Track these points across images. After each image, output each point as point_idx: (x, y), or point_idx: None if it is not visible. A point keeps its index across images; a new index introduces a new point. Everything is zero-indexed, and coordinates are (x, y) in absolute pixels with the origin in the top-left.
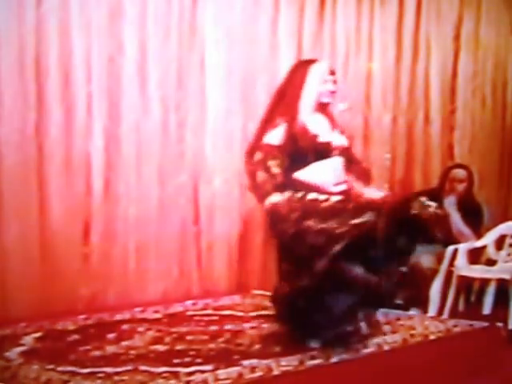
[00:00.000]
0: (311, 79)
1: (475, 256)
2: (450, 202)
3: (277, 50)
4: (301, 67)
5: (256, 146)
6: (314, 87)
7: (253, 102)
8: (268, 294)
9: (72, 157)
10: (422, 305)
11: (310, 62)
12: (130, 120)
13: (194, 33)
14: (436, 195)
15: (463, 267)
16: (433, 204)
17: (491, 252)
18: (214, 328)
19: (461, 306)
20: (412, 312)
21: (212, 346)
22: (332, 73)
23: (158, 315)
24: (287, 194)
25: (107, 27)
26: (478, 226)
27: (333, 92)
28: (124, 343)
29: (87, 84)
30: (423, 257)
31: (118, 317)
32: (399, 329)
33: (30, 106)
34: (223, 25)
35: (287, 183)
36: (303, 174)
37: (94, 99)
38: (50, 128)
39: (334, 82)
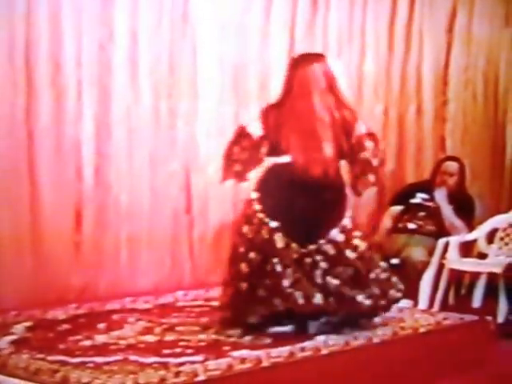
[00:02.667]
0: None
1: (466, 249)
2: (440, 195)
3: (269, 38)
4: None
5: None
6: None
7: (245, 90)
8: None
9: (62, 144)
10: (413, 297)
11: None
12: (120, 107)
13: (186, 20)
14: (428, 188)
15: (454, 260)
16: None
17: (482, 245)
18: (204, 319)
19: (451, 299)
20: (402, 304)
21: (202, 336)
22: None
23: (148, 305)
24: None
25: (98, 14)
26: (469, 219)
27: None
28: (114, 333)
29: (77, 70)
30: (414, 249)
31: (109, 306)
32: (389, 321)
33: (19, 92)
34: (215, 13)
35: None
36: None
37: (84, 86)
38: (40, 114)
39: None
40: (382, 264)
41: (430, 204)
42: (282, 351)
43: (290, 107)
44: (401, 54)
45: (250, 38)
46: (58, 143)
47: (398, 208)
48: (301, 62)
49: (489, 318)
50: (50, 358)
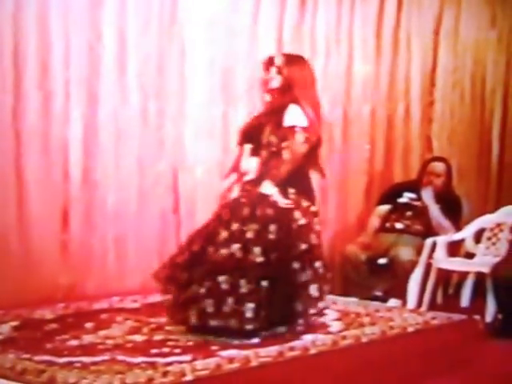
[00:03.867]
0: None
1: (454, 249)
2: (427, 195)
3: (257, 40)
4: None
5: None
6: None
7: (233, 90)
8: None
9: (50, 144)
10: (401, 297)
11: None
12: (108, 108)
13: (174, 21)
14: (415, 187)
15: (442, 260)
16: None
17: (470, 245)
18: None
19: (439, 299)
20: (391, 304)
21: (190, 336)
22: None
23: (136, 305)
24: None
25: (86, 15)
26: (456, 219)
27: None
28: (102, 333)
29: (65, 71)
30: (402, 249)
31: (97, 306)
32: (378, 320)
33: (7, 92)
34: (203, 14)
35: None
36: None
37: (72, 87)
38: (27, 115)
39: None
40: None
41: (417, 204)
42: (271, 351)
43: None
44: (388, 56)
45: (238, 39)
46: (45, 143)
47: (385, 208)
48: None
49: (477, 317)
50: (36, 357)
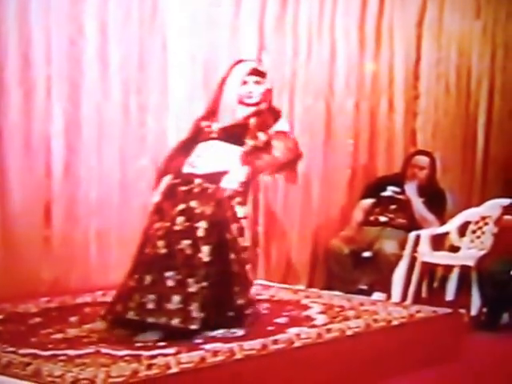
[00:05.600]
0: (229, 80)
1: (438, 242)
2: (410, 188)
3: (239, 33)
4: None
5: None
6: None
7: (215, 85)
8: None
9: (31, 139)
10: (386, 290)
11: (238, 62)
12: (90, 103)
13: (156, 15)
14: (399, 181)
15: (426, 253)
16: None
17: (454, 238)
18: None
19: (424, 292)
20: (375, 297)
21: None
22: (255, 73)
23: None
24: None
25: (67, 9)
26: (441, 213)
27: (250, 93)
28: (86, 326)
29: (47, 66)
30: (386, 242)
31: (80, 300)
32: (362, 314)
33: None
34: (185, 7)
35: None
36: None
37: (53, 82)
38: (9, 110)
39: (257, 82)
40: None
41: (401, 197)
42: (255, 344)
43: None
44: (372, 49)
45: (219, 32)
46: (27, 139)
47: (369, 201)
48: None
49: (462, 310)
50: (21, 351)
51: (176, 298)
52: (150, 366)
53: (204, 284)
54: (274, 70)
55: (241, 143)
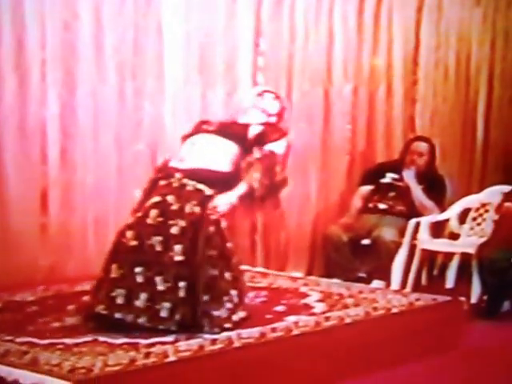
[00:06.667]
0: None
1: (438, 229)
2: (409, 175)
3: (235, 19)
4: None
5: None
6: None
7: (211, 70)
8: None
9: (27, 125)
10: (385, 278)
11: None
12: (85, 88)
13: None
14: (398, 167)
15: (426, 241)
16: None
17: (454, 226)
18: None
19: (424, 280)
20: (374, 285)
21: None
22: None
23: None
24: None
25: None
26: (440, 200)
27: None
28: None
29: (41, 51)
30: (385, 229)
31: (78, 288)
32: (361, 302)
33: None
34: None
35: None
36: None
37: (48, 66)
38: (4, 96)
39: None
40: None
41: (400, 184)
42: (253, 332)
43: None
44: (370, 34)
45: (215, 17)
46: (22, 124)
47: (367, 188)
48: None
49: (462, 298)
50: (18, 339)
51: (143, 296)
52: (147, 355)
53: (174, 284)
54: (271, 55)
55: (236, 140)
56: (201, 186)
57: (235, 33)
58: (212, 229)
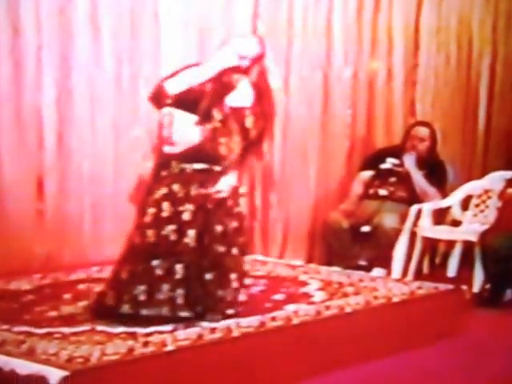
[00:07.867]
0: None
1: (440, 216)
2: (409, 160)
3: (233, 2)
4: None
5: None
6: None
7: (208, 54)
8: None
9: (23, 111)
10: (386, 266)
11: None
12: (82, 72)
13: None
14: (398, 153)
15: (427, 228)
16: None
17: (456, 212)
18: None
19: (425, 268)
20: (375, 273)
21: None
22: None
23: None
24: None
25: None
26: (441, 185)
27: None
28: (81, 303)
29: (37, 36)
30: (386, 216)
31: (74, 276)
32: (362, 290)
33: None
34: None
35: None
36: None
37: (44, 51)
38: None
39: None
40: None
41: (401, 170)
42: (252, 321)
43: None
44: (370, 17)
45: (213, 1)
46: (18, 110)
47: (368, 174)
48: None
49: (464, 287)
50: (15, 328)
51: (165, 287)
52: (145, 344)
53: (193, 269)
54: (270, 39)
55: (190, 110)
56: (197, 166)
57: (233, 16)
58: (219, 207)
